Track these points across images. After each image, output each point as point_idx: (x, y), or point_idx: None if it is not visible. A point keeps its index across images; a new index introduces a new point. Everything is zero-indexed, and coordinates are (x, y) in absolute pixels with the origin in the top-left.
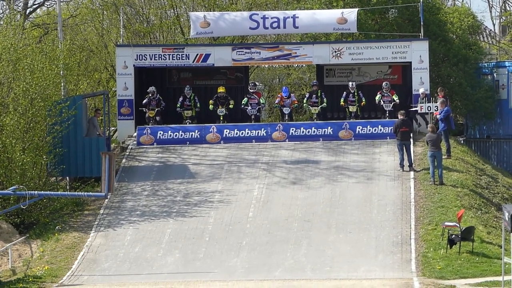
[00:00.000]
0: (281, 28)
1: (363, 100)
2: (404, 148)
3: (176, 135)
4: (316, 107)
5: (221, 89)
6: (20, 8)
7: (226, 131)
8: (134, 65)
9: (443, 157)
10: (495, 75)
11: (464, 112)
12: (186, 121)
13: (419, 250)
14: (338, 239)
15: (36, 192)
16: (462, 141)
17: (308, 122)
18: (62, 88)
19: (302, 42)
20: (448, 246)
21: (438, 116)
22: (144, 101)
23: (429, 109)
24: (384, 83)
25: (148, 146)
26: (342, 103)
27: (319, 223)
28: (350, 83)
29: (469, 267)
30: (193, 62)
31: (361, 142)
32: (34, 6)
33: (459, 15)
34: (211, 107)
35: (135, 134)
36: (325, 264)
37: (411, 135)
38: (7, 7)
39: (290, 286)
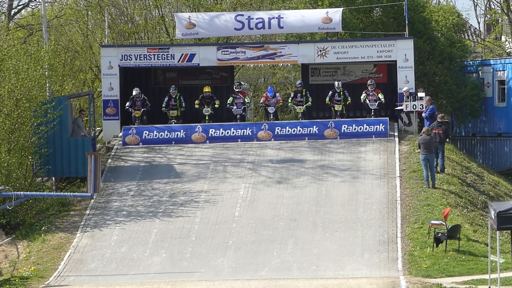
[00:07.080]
0: (266, 29)
1: (349, 99)
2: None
3: (161, 135)
4: (301, 106)
5: (206, 89)
6: (4, 9)
7: (212, 131)
8: (119, 65)
9: None
10: (480, 73)
11: (449, 110)
12: (172, 121)
13: (406, 249)
14: (324, 238)
15: (22, 192)
16: (447, 139)
17: (293, 121)
18: (47, 89)
19: (287, 41)
20: (435, 244)
21: (423, 115)
22: (127, 103)
23: (414, 108)
24: (369, 81)
25: (133, 146)
26: (327, 101)
27: (305, 222)
28: (336, 82)
29: (455, 265)
30: (178, 62)
31: (347, 141)
32: (19, 7)
33: (444, 13)
34: (196, 106)
35: (121, 134)
36: (312, 263)
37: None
38: None
39: (276, 285)
